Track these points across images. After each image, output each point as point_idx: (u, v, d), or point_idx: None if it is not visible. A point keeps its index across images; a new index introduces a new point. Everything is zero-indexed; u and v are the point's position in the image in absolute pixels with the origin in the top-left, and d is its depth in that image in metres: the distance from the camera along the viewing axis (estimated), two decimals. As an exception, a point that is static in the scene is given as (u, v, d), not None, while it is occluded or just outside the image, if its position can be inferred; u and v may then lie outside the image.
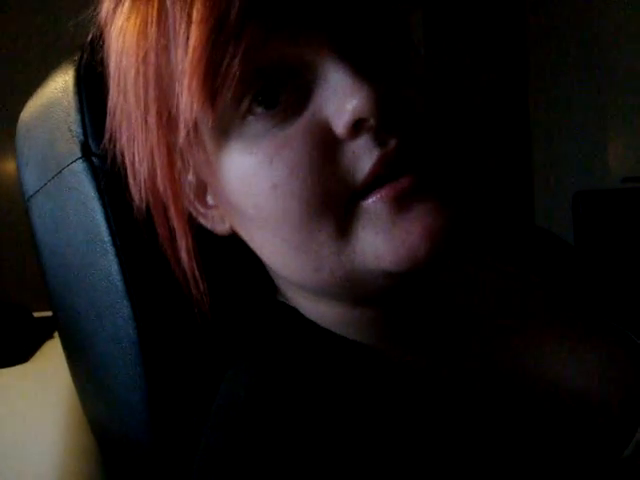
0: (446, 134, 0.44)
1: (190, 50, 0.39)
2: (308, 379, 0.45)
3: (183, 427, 0.55)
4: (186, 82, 0.39)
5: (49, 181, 0.57)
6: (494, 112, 2.79)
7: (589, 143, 2.70)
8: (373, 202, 0.40)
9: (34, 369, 0.90)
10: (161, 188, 0.46)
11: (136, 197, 0.48)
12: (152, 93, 0.43)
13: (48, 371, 0.85)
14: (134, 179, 0.47)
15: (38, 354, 0.96)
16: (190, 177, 0.47)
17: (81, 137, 0.54)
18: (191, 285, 0.48)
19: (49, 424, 0.70)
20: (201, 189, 0.48)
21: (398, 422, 0.43)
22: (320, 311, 0.48)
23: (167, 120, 0.43)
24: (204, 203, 0.48)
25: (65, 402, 0.72)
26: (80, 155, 0.54)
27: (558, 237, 0.67)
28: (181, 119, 0.41)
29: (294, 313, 0.50)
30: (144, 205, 0.48)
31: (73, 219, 0.56)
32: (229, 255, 0.52)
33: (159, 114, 0.43)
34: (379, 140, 0.40)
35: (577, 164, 2.75)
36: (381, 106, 0.38)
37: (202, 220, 0.49)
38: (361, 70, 0.39)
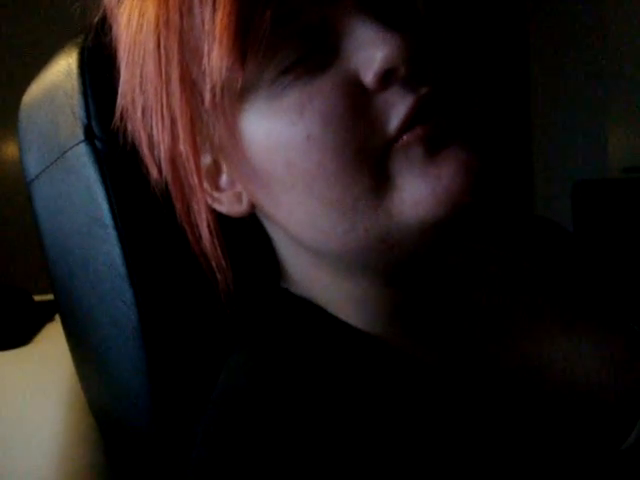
0: (474, 86, 0.44)
1: (220, 7, 0.38)
2: (310, 369, 0.44)
3: (184, 412, 0.55)
4: (217, 40, 0.39)
5: (51, 164, 0.57)
6: (494, 101, 2.78)
7: (590, 133, 2.69)
8: (407, 141, 0.40)
9: (35, 352, 0.90)
10: (184, 155, 0.44)
11: (154, 172, 0.47)
12: (175, 58, 0.42)
13: (49, 354, 0.85)
14: (152, 154, 0.46)
15: (39, 337, 0.96)
16: (204, 159, 0.47)
17: (84, 120, 0.53)
18: (212, 263, 0.47)
19: (50, 407, 0.70)
20: (215, 171, 0.47)
21: (404, 416, 0.42)
22: (335, 288, 0.48)
23: (190, 85, 0.42)
24: (217, 187, 0.48)
25: (66, 385, 0.72)
26: (83, 138, 0.53)
27: (559, 226, 0.67)
28: (207, 81, 0.41)
29: (297, 300, 0.50)
30: (163, 180, 0.47)
31: (75, 202, 0.56)
32: (231, 244, 0.52)
33: (182, 79, 0.42)
34: (411, 88, 0.39)
35: (577, 154, 2.74)
36: (411, 54, 0.38)
37: (216, 205, 0.48)
38: (387, 22, 0.39)
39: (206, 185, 0.47)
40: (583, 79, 2.67)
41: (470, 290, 0.52)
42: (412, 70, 0.39)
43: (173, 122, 0.44)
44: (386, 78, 0.39)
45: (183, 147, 0.44)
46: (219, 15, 0.39)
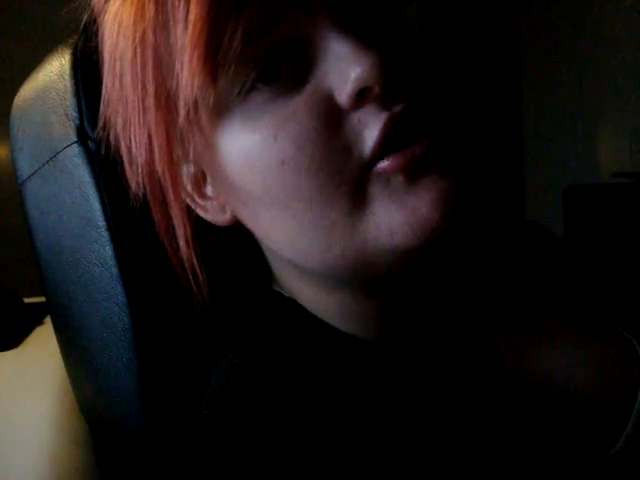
0: (453, 102, 0.43)
1: (190, 25, 0.38)
2: (300, 371, 0.45)
3: (175, 413, 0.55)
4: (187, 58, 0.38)
5: (43, 165, 0.57)
6: (485, 106, 2.79)
7: (580, 138, 2.71)
8: (385, 169, 0.39)
9: (25, 355, 0.89)
10: (160, 171, 0.45)
11: (133, 184, 0.47)
12: (150, 73, 0.42)
13: (39, 357, 0.84)
14: (131, 165, 0.46)
15: (28, 340, 0.95)
16: (188, 168, 0.47)
17: (77, 121, 0.53)
18: (189, 275, 0.47)
19: (40, 410, 0.70)
20: (199, 180, 0.47)
21: (393, 417, 0.43)
22: (320, 301, 0.48)
23: (166, 101, 0.42)
24: (202, 195, 0.47)
25: (56, 388, 0.72)
26: (76, 139, 0.53)
27: (549, 230, 0.67)
28: (181, 98, 0.40)
29: (289, 303, 0.50)
30: (141, 192, 0.47)
31: (67, 203, 0.55)
32: (223, 245, 0.52)
33: (157, 95, 0.42)
34: (385, 107, 0.39)
35: (568, 159, 2.75)
36: (386, 73, 0.37)
37: (201, 212, 0.48)
38: (363, 40, 0.39)
39: (192, 191, 0.47)
40: (574, 85, 2.69)
41: (458, 296, 0.52)
42: (387, 88, 0.38)
43: (150, 136, 0.44)
44: (360, 97, 0.38)
45: (159, 163, 0.44)
46: (189, 33, 0.38)
